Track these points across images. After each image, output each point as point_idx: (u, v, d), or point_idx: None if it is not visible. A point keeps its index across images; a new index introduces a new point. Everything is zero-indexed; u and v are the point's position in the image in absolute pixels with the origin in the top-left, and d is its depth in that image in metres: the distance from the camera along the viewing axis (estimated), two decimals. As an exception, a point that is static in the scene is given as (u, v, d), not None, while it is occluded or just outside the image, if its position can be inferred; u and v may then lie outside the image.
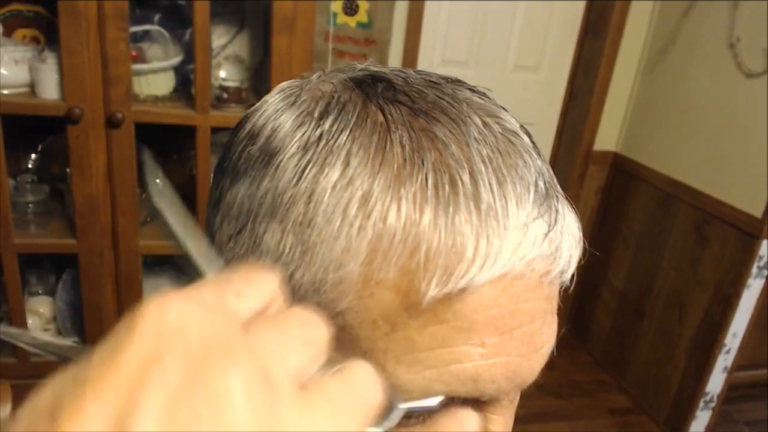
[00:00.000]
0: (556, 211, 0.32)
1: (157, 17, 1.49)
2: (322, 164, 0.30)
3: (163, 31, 1.45)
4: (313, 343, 0.22)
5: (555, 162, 2.67)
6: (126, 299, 1.53)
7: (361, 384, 0.21)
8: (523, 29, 2.41)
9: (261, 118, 0.34)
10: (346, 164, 0.30)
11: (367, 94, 0.33)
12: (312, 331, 0.22)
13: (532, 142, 0.34)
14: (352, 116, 0.31)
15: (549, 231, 0.31)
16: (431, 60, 2.27)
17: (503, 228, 0.29)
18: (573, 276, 0.35)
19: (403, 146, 0.30)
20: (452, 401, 0.32)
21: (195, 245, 0.26)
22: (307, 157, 0.31)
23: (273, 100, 0.35)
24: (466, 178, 0.29)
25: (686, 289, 2.17)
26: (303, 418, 0.18)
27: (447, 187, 0.29)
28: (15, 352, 1.53)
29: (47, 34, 1.48)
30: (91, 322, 1.53)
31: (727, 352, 2.07)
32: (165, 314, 0.18)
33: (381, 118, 0.31)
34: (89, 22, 1.27)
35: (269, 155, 0.32)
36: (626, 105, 2.48)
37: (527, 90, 2.53)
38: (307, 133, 0.31)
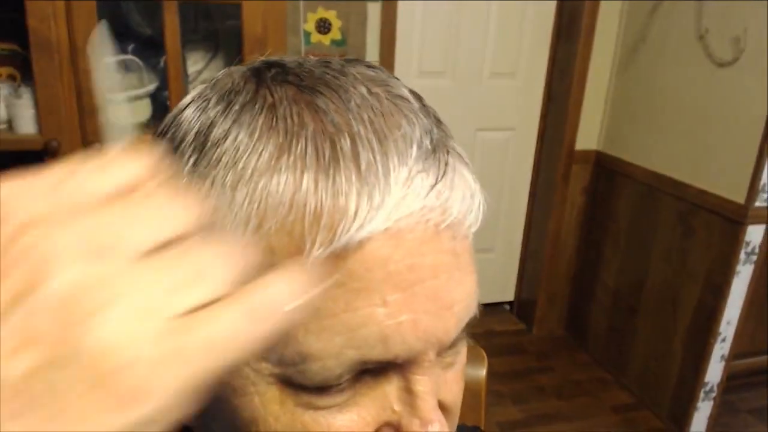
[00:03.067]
0: (446, 164, 0.33)
1: (131, 47, 1.50)
2: (214, 150, 0.32)
3: (137, 59, 1.46)
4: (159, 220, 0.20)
5: (539, 164, 2.70)
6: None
7: (206, 256, 0.20)
8: (497, 37, 2.45)
9: (170, 117, 0.37)
10: (235, 147, 0.31)
11: (261, 79, 0.34)
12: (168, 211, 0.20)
13: (424, 105, 0.35)
14: (243, 102, 0.33)
15: (436, 183, 0.32)
16: (408, 72, 2.30)
17: (384, 183, 0.30)
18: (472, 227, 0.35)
19: (285, 121, 0.31)
20: (370, 368, 0.32)
21: None
22: (201, 145, 0.33)
23: (184, 100, 0.37)
24: (345, 140, 0.31)
25: (677, 280, 2.17)
26: (135, 284, 0.18)
27: (327, 152, 0.30)
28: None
29: (22, 71, 1.49)
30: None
31: (723, 340, 2.07)
32: None
33: (270, 99, 0.33)
34: (61, 55, 1.29)
35: (172, 148, 0.34)
36: (604, 103, 2.51)
37: (505, 96, 2.56)
38: (203, 123, 0.33)
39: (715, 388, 2.15)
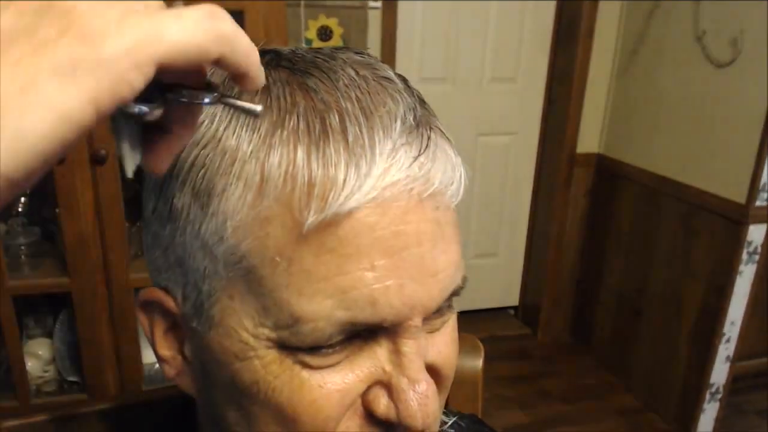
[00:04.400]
0: (428, 139, 0.35)
1: (135, 56, 1.53)
2: (214, 132, 0.34)
3: (141, 68, 1.49)
4: None
5: (540, 169, 2.71)
6: (122, 334, 1.54)
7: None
8: (496, 42, 2.47)
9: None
10: (233, 127, 0.34)
11: None
12: None
13: (408, 86, 0.37)
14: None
15: (419, 155, 0.34)
16: (409, 79, 2.32)
17: (371, 154, 0.32)
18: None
19: (278, 100, 0.34)
20: (360, 331, 0.34)
21: None
22: (203, 126, 0.35)
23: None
24: (334, 116, 0.33)
25: (680, 282, 2.18)
26: None
27: (317, 127, 0.33)
28: (16, 395, 1.54)
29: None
30: (89, 359, 1.54)
31: (728, 341, 2.07)
32: None
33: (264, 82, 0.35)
34: (68, 64, 1.31)
35: None
36: (604, 107, 2.52)
37: (506, 101, 2.58)
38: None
39: (721, 390, 2.14)
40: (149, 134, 0.29)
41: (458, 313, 0.41)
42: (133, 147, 0.29)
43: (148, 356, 1.62)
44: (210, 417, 0.41)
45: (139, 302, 0.40)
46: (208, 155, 0.34)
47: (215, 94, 0.29)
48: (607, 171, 2.54)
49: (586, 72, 2.44)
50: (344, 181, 0.32)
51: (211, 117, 0.35)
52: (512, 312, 3.00)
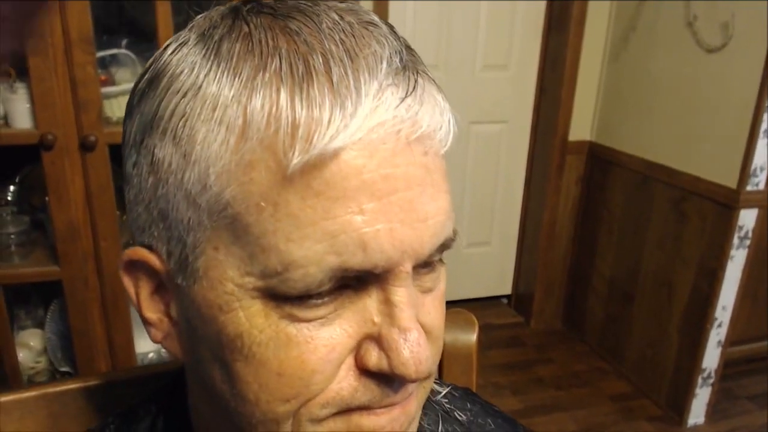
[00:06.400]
0: (415, 81, 0.34)
1: (124, 42, 1.52)
2: (194, 80, 0.34)
3: (130, 53, 1.48)
4: None
5: (533, 156, 2.71)
6: (114, 323, 1.53)
7: None
8: (488, 29, 2.47)
9: (150, 61, 0.38)
10: (215, 73, 0.33)
11: (237, 14, 0.36)
12: None
13: (394, 31, 0.37)
14: (221, 34, 0.35)
15: (406, 97, 0.33)
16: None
17: (356, 95, 0.32)
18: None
19: (260, 44, 0.33)
20: (350, 278, 0.34)
21: None
22: (182, 75, 0.34)
23: (165, 43, 0.38)
24: (317, 57, 0.32)
25: (672, 267, 2.19)
26: None
27: (300, 68, 0.32)
28: (8, 387, 1.53)
29: (17, 66, 1.50)
30: (81, 349, 1.53)
31: (719, 326, 2.08)
32: None
33: (246, 28, 0.34)
34: (56, 49, 1.30)
35: (152, 81, 0.36)
36: (596, 94, 2.53)
37: (498, 88, 2.58)
38: (185, 57, 0.35)
39: (713, 374, 2.16)
40: None
41: (452, 302, 0.41)
42: None
43: (141, 345, 1.61)
44: (198, 378, 0.40)
45: (122, 263, 0.39)
46: (188, 103, 0.34)
47: None
48: (599, 158, 2.55)
49: (578, 59, 2.44)
50: (329, 121, 0.31)
51: (191, 65, 0.34)
52: (505, 301, 3.01)
